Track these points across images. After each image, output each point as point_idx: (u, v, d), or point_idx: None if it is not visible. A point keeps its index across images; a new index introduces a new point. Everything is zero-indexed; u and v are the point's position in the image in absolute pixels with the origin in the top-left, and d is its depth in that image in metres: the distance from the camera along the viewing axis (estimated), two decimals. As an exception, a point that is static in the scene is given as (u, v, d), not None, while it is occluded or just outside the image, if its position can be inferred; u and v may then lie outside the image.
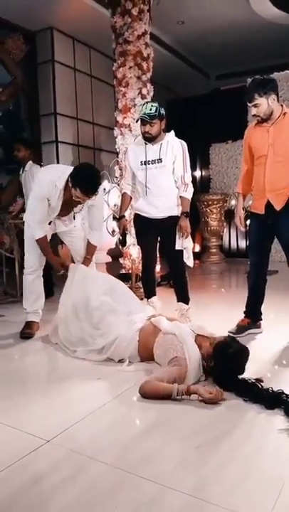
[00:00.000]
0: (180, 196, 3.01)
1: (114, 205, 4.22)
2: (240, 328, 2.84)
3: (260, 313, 2.93)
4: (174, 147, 2.98)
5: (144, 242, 3.19)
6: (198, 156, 7.62)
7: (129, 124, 4.50)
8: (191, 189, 3.03)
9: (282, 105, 2.57)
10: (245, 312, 2.91)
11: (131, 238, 4.10)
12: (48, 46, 5.95)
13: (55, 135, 6.05)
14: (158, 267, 4.62)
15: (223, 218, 6.81)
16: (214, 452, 1.49)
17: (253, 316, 2.89)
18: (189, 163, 3.06)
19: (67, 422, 1.70)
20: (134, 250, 4.27)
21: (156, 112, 2.88)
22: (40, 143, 6.14)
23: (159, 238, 3.19)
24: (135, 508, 1.21)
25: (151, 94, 4.63)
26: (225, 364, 1.96)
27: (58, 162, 6.06)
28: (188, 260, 3.19)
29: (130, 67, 4.46)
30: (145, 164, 2.99)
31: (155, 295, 3.25)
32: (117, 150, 4.68)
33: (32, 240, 2.82)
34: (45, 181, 2.73)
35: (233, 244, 7.26)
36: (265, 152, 2.60)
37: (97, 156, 6.81)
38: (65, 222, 2.98)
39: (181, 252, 3.08)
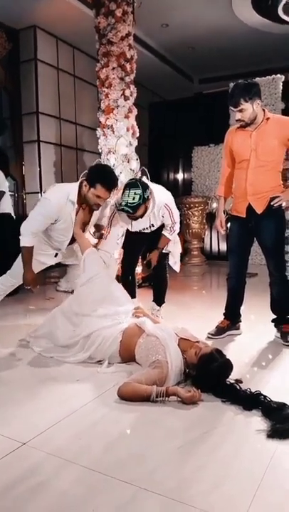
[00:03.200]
0: (162, 234, 3.01)
1: None
2: (220, 330, 2.86)
3: (240, 315, 2.96)
4: (160, 211, 2.89)
5: (129, 247, 3.18)
6: (181, 159, 7.67)
7: (112, 125, 4.49)
8: (175, 234, 3.07)
9: (264, 110, 2.61)
10: (224, 314, 2.93)
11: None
12: (31, 45, 5.87)
13: (37, 134, 5.97)
14: (139, 269, 4.62)
15: (204, 221, 6.86)
16: (193, 453, 1.49)
17: (232, 317, 2.92)
18: (178, 215, 3.02)
19: (44, 424, 1.68)
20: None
21: (139, 200, 2.66)
22: (22, 142, 6.07)
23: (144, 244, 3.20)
24: (113, 510, 1.20)
25: (135, 95, 4.63)
26: (207, 377, 1.95)
27: (39, 162, 6.00)
28: (176, 265, 3.23)
29: (113, 68, 4.46)
30: (134, 233, 3.01)
31: (135, 297, 3.25)
32: (100, 151, 4.67)
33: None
34: (55, 200, 2.59)
35: (214, 247, 7.32)
36: (247, 157, 2.63)
37: (79, 157, 6.77)
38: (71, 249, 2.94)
39: (165, 255, 3.11)
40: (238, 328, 2.95)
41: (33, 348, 2.59)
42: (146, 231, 3.00)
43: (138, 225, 2.94)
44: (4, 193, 4.40)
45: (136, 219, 2.84)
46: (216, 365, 1.94)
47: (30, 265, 2.69)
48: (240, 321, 2.97)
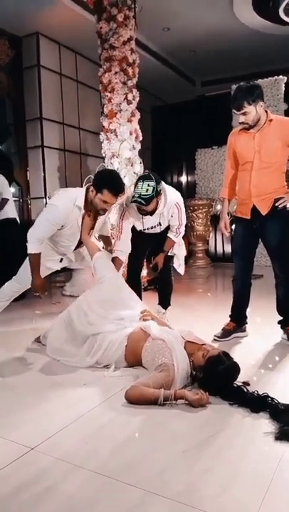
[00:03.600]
0: (168, 237, 3.01)
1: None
2: (226, 332, 2.85)
3: (246, 317, 2.95)
4: (169, 210, 2.90)
5: (134, 250, 3.18)
6: (184, 162, 7.68)
7: (115, 129, 4.51)
8: (180, 236, 3.07)
9: (266, 111, 2.60)
10: (230, 316, 2.92)
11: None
12: (33, 51, 5.93)
13: (41, 140, 6.01)
14: (144, 272, 4.63)
15: (209, 223, 6.85)
16: (200, 456, 1.48)
17: (238, 320, 2.91)
18: (185, 217, 3.03)
19: (52, 429, 1.68)
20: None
21: (153, 192, 2.63)
22: (26, 148, 6.11)
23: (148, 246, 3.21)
24: (120, 515, 1.20)
25: (137, 99, 4.65)
26: (215, 380, 1.94)
27: (43, 167, 6.04)
28: (180, 268, 3.23)
29: (116, 73, 4.48)
30: (143, 230, 3.00)
31: (141, 301, 3.25)
32: (103, 155, 4.68)
33: None
34: (62, 206, 2.58)
35: (219, 249, 7.31)
36: (251, 159, 2.62)
37: (83, 161, 6.80)
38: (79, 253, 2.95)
39: (170, 258, 3.12)
40: (244, 331, 2.94)
41: (43, 343, 2.63)
42: (152, 231, 3.00)
43: (147, 223, 2.93)
44: (8, 200, 4.46)
45: (147, 214, 2.81)
46: (223, 367, 1.94)
47: (38, 272, 2.69)
48: (247, 323, 2.96)
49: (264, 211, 2.63)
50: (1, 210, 4.41)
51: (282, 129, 2.56)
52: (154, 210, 2.79)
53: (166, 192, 2.81)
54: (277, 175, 2.62)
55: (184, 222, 3.02)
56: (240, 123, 2.60)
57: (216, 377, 1.93)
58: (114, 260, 2.88)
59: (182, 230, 3.04)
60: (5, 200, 4.46)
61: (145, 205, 2.67)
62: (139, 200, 2.64)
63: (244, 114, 2.51)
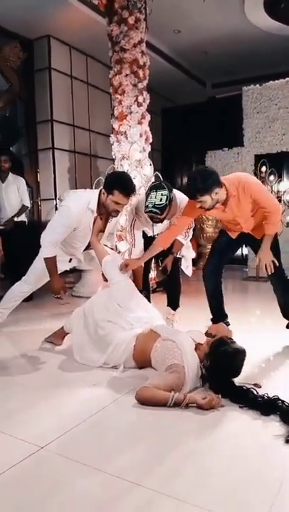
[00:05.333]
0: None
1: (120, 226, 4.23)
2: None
3: (226, 316, 3.00)
4: (178, 212, 2.86)
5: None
6: (195, 164, 7.67)
7: (125, 131, 4.52)
8: (188, 238, 3.09)
9: (226, 187, 2.52)
10: (212, 319, 2.94)
11: (127, 245, 4.10)
12: (45, 54, 5.97)
13: (52, 142, 6.05)
14: (153, 274, 4.62)
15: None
16: (209, 458, 1.48)
17: (220, 320, 2.93)
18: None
19: (61, 428, 1.69)
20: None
21: (166, 201, 2.63)
22: (36, 150, 6.16)
23: None
24: (129, 515, 1.20)
25: (148, 101, 4.66)
26: (220, 361, 1.95)
27: (54, 169, 6.07)
28: (188, 270, 3.23)
29: (126, 75, 4.49)
30: (153, 235, 3.01)
31: (150, 303, 3.25)
32: (114, 157, 4.70)
33: (42, 262, 2.72)
34: (76, 209, 2.60)
35: (229, 251, 7.27)
36: (232, 219, 2.68)
37: (93, 163, 6.83)
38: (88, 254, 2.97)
39: (178, 260, 3.11)
40: None
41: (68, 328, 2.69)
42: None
43: (157, 229, 2.95)
44: (28, 208, 4.76)
45: (158, 222, 2.81)
46: (227, 348, 1.96)
47: (56, 274, 2.71)
48: (229, 324, 2.96)
49: (258, 236, 2.67)
50: (18, 216, 4.61)
51: (246, 198, 2.54)
52: (166, 217, 2.80)
53: (176, 198, 2.82)
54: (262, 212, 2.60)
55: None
56: (198, 207, 2.54)
57: (222, 359, 1.94)
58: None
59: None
60: (25, 208, 4.68)
61: (160, 214, 2.67)
62: (154, 210, 2.64)
63: (200, 202, 2.47)
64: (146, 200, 2.70)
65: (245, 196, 2.51)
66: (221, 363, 1.95)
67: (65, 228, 2.62)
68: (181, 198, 2.89)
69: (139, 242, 3.01)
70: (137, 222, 2.96)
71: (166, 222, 2.90)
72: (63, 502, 1.26)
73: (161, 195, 2.64)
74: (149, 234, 3.01)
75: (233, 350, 1.98)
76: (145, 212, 2.75)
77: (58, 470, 1.43)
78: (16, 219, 4.58)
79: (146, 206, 2.68)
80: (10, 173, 4.64)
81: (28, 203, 4.75)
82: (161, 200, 2.64)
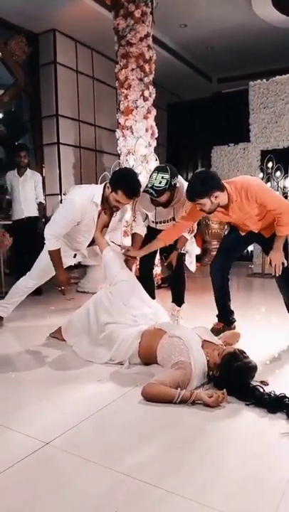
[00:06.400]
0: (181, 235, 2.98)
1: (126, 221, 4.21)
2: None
3: (232, 312, 2.97)
4: (185, 204, 2.81)
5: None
6: (200, 159, 7.63)
7: (131, 126, 4.49)
8: (193, 234, 3.07)
9: (228, 191, 2.45)
10: (218, 316, 2.92)
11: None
12: (50, 48, 5.95)
13: (57, 137, 6.04)
14: (158, 270, 4.61)
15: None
16: (216, 456, 1.47)
17: (224, 317, 2.92)
18: None
19: (67, 424, 1.68)
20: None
21: (166, 185, 2.60)
22: (42, 144, 6.14)
23: None
24: (135, 513, 1.19)
25: (154, 96, 4.63)
26: (230, 376, 1.92)
27: (59, 164, 6.06)
28: (191, 265, 3.21)
29: (132, 69, 4.46)
30: (156, 223, 2.98)
31: (154, 298, 3.24)
32: (119, 152, 4.68)
33: (47, 256, 2.73)
34: (79, 203, 2.59)
35: (234, 248, 7.24)
36: (239, 222, 2.65)
37: (98, 158, 6.81)
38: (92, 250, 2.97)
39: (183, 255, 3.09)
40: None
41: (67, 337, 2.69)
42: (163, 226, 2.98)
43: (160, 216, 2.91)
44: (44, 204, 4.88)
45: (159, 205, 2.80)
46: (239, 364, 1.92)
47: (61, 267, 2.72)
48: (235, 320, 2.94)
49: (267, 235, 2.64)
50: (42, 214, 4.74)
51: (250, 203, 2.47)
52: (168, 202, 2.78)
53: (183, 186, 2.79)
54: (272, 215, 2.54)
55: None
56: (198, 210, 2.51)
57: (232, 375, 1.91)
58: (134, 236, 2.96)
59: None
60: (42, 205, 4.76)
61: (156, 196, 2.65)
62: (151, 191, 2.62)
63: (199, 204, 2.44)
64: (148, 181, 2.69)
65: (249, 202, 2.45)
66: (233, 379, 1.91)
67: (69, 221, 2.61)
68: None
69: (140, 216, 2.98)
70: (137, 204, 2.96)
71: (169, 211, 2.87)
72: (68, 498, 1.26)
73: (162, 178, 2.61)
74: (151, 219, 2.97)
75: (245, 367, 1.93)
76: (143, 191, 2.72)
77: (62, 466, 1.42)
78: (30, 215, 4.60)
79: (146, 186, 2.67)
80: (28, 169, 4.64)
81: (43, 200, 4.82)
82: (160, 182, 2.60)
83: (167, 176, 2.63)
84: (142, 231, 3.01)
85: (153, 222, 3.00)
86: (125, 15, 4.44)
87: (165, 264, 3.06)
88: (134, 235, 3.02)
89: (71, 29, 5.90)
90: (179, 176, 2.78)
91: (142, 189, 2.82)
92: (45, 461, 1.45)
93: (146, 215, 3.01)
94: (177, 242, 3.01)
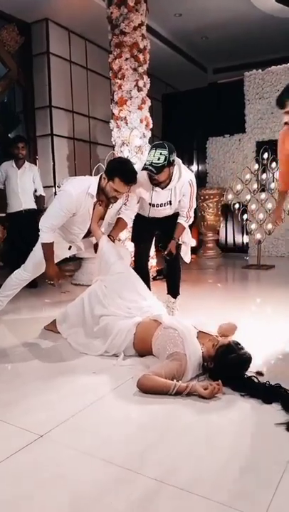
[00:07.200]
0: (178, 223, 2.95)
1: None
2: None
3: None
4: (183, 188, 2.84)
5: (140, 239, 3.15)
6: (195, 151, 7.58)
7: (125, 117, 4.45)
8: (190, 221, 3.01)
9: None
10: None
11: (126, 233, 4.06)
12: (43, 38, 5.85)
13: (51, 128, 5.97)
14: (154, 262, 4.60)
15: (219, 213, 6.79)
16: (210, 447, 1.47)
17: None
18: (195, 200, 2.97)
19: (61, 416, 1.68)
20: (129, 246, 4.24)
21: (164, 161, 2.58)
22: (35, 136, 6.08)
23: (155, 233, 3.17)
24: (131, 504, 1.19)
25: (148, 86, 4.58)
26: (224, 369, 1.91)
27: (53, 156, 6.00)
28: (186, 256, 3.19)
29: (126, 59, 4.40)
30: (152, 206, 2.92)
31: (150, 290, 3.23)
32: (113, 143, 4.63)
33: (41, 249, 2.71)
34: (75, 195, 2.57)
35: (230, 239, 7.24)
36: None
37: (92, 150, 6.76)
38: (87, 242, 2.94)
39: (178, 246, 3.07)
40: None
41: (61, 329, 2.68)
42: (161, 211, 2.93)
43: (158, 198, 2.86)
44: (44, 197, 4.81)
45: (158, 184, 2.76)
46: (233, 356, 1.91)
47: (52, 260, 2.71)
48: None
49: None
50: (42, 206, 4.65)
51: None
52: (166, 183, 2.75)
53: (180, 166, 2.77)
54: None
55: (194, 205, 2.97)
56: (284, 123, 2.44)
57: (226, 367, 1.91)
58: (119, 220, 2.87)
59: (192, 214, 2.98)
60: (42, 198, 4.73)
61: (156, 173, 2.62)
62: (150, 168, 2.59)
63: (287, 113, 2.33)
64: (147, 157, 2.65)
65: None
66: (227, 370, 1.90)
67: (64, 213, 2.59)
68: (187, 172, 2.84)
69: (133, 200, 2.88)
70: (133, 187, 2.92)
71: (167, 193, 2.82)
72: (62, 490, 1.25)
73: (160, 154, 2.58)
74: (148, 201, 2.89)
75: (240, 359, 1.92)
76: (142, 170, 2.68)
77: (57, 458, 1.42)
78: (28, 207, 4.56)
79: (144, 164, 2.63)
80: (25, 161, 4.60)
81: (43, 192, 4.79)
82: (159, 159, 2.58)
83: (165, 152, 2.60)
84: (129, 218, 2.91)
85: (149, 205, 2.90)
86: (119, 3, 4.36)
87: (165, 253, 3.00)
88: (118, 220, 2.89)
89: (64, 18, 5.81)
90: (175, 153, 2.73)
91: (139, 170, 2.78)
92: (40, 453, 1.45)
93: (139, 201, 2.93)
94: (174, 232, 2.99)
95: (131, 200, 2.89)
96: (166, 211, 2.95)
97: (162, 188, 2.79)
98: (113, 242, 2.79)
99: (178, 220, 2.96)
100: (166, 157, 2.59)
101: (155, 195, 2.83)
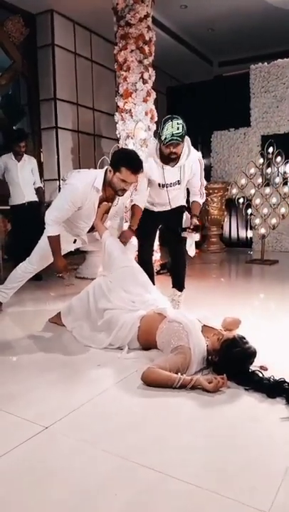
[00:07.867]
0: (193, 201, 2.96)
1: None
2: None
3: None
4: (193, 166, 2.85)
5: (144, 233, 3.14)
6: (199, 144, 7.54)
7: (130, 110, 4.43)
8: (204, 197, 3.03)
9: None
10: None
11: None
12: (48, 29, 5.82)
13: (55, 121, 5.95)
14: (158, 255, 4.60)
15: (224, 207, 6.76)
16: (215, 441, 1.47)
17: None
18: (204, 173, 3.00)
19: (66, 408, 1.69)
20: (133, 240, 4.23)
21: (182, 130, 2.62)
22: (40, 129, 6.06)
23: (158, 227, 3.16)
24: (135, 495, 1.19)
25: (153, 78, 4.55)
26: (230, 363, 1.91)
27: (57, 148, 5.99)
28: (190, 249, 3.18)
29: (132, 51, 4.38)
30: (163, 187, 2.91)
31: (154, 285, 3.23)
32: (118, 136, 4.62)
33: (47, 242, 2.70)
34: (81, 187, 2.56)
35: (234, 234, 7.22)
36: None
37: (97, 143, 6.73)
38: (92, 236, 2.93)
39: (184, 239, 3.07)
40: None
41: (66, 323, 2.69)
42: (170, 191, 2.93)
43: (168, 176, 2.86)
44: (43, 188, 4.87)
45: (169, 162, 2.76)
46: (238, 350, 1.91)
47: (59, 253, 2.70)
48: None
49: None
50: (42, 199, 4.72)
51: None
52: (177, 159, 2.75)
53: (189, 143, 2.78)
54: None
55: (205, 182, 3.00)
56: None
57: (231, 361, 1.91)
58: (134, 208, 2.90)
59: (204, 190, 3.02)
60: (41, 189, 4.75)
61: (181, 141, 2.63)
62: (175, 138, 2.60)
63: None
64: (163, 133, 2.64)
65: None
66: (231, 364, 1.90)
67: (69, 206, 2.58)
68: (195, 151, 2.87)
69: (143, 186, 2.88)
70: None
71: (176, 171, 2.81)
72: (67, 482, 1.26)
73: (177, 123, 2.61)
74: (158, 181, 2.88)
75: (244, 353, 1.92)
76: (164, 145, 2.67)
77: (62, 450, 1.43)
78: (30, 199, 4.57)
79: (165, 138, 2.62)
80: (24, 154, 4.60)
81: (41, 184, 4.81)
82: (178, 128, 2.60)
83: (181, 122, 2.63)
84: (142, 202, 2.92)
85: (159, 186, 2.90)
86: (124, -6, 4.33)
87: (192, 227, 2.90)
88: (133, 207, 2.92)
89: (69, 10, 5.76)
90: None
91: (156, 146, 2.78)
92: (45, 445, 1.46)
93: (148, 186, 2.93)
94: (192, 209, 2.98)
95: (140, 185, 2.87)
96: (175, 192, 2.95)
97: (172, 167, 2.80)
98: (133, 232, 2.83)
99: (192, 199, 2.98)
100: (183, 126, 2.61)
101: (167, 173, 2.83)
